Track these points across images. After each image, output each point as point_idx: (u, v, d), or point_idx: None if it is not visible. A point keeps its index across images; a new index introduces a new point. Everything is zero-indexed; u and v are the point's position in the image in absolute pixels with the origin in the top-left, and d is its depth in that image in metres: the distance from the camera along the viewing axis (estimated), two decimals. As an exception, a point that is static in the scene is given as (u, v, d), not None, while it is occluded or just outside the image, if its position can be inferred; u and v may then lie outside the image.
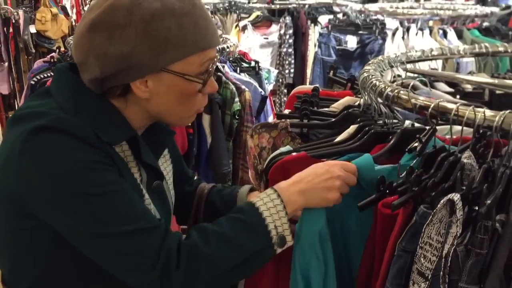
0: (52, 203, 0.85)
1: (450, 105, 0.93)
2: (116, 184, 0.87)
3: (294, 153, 1.08)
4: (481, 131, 0.91)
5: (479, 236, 0.71)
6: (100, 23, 0.86)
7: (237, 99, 2.34)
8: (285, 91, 4.11)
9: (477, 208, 0.76)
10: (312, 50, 3.97)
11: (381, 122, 1.14)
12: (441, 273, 0.73)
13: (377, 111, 1.16)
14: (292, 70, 3.95)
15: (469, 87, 1.51)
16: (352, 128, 1.16)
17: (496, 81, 1.38)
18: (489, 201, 0.73)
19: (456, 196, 0.73)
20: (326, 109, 1.36)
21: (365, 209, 0.91)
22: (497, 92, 1.42)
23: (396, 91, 1.04)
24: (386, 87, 1.07)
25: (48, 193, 0.84)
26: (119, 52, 0.85)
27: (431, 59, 1.48)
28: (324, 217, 0.97)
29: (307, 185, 0.95)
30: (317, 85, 1.55)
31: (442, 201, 0.74)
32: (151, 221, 0.89)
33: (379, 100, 1.10)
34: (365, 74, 1.19)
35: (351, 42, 3.09)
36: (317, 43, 3.29)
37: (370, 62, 1.34)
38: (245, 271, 0.97)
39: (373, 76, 1.16)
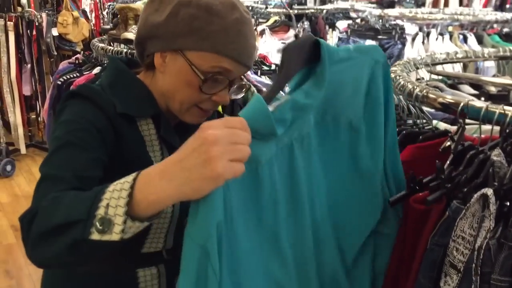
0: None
1: (479, 104, 0.95)
2: (88, 144, 0.91)
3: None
4: (507, 130, 0.93)
5: (512, 230, 0.73)
6: None
7: (258, 101, 2.39)
8: (303, 95, 4.12)
9: (508, 204, 0.78)
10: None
11: (410, 122, 1.16)
12: (474, 265, 0.75)
13: (406, 111, 1.18)
14: (309, 75, 3.97)
15: (493, 90, 1.52)
16: (381, 128, 1.18)
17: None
18: (522, 196, 0.75)
19: (489, 191, 0.75)
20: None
21: (396, 205, 0.93)
22: (523, 94, 1.43)
23: (425, 91, 1.06)
24: (415, 87, 1.09)
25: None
26: (153, 21, 0.98)
27: (455, 62, 1.50)
28: (221, 203, 0.70)
29: (173, 167, 0.69)
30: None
31: (475, 196, 0.76)
32: (77, 177, 0.84)
33: (408, 100, 1.12)
34: (393, 75, 1.22)
35: (371, 46, 3.12)
36: (336, 48, 3.32)
37: (396, 63, 1.36)
38: (63, 241, 0.72)
39: (401, 77, 1.18)
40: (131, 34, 2.49)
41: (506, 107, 0.90)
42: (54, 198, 0.77)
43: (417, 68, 1.39)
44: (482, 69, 2.54)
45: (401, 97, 1.14)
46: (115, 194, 0.71)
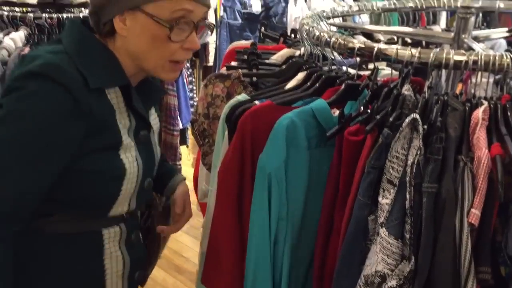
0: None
1: (391, 47, 1.10)
2: (59, 143, 0.92)
3: (257, 102, 1.18)
4: (405, 71, 1.10)
5: (436, 146, 0.89)
6: None
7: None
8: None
9: (426, 127, 0.95)
10: (212, 15, 4.05)
11: (326, 68, 1.29)
12: (407, 178, 0.90)
13: (320, 59, 1.31)
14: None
15: (382, 39, 1.72)
16: (301, 75, 1.29)
17: (407, 29, 1.60)
18: (440, 119, 0.91)
19: (417, 116, 0.90)
20: (268, 60, 1.48)
21: (332, 138, 1.06)
22: (408, 41, 1.65)
23: (340, 39, 1.19)
24: (331, 36, 1.21)
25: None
26: None
27: (352, 15, 1.66)
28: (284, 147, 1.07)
29: None
30: (253, 40, 1.66)
31: (407, 120, 0.91)
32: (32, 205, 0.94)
33: (327, 49, 1.24)
34: (306, 27, 1.33)
35: (256, 5, 3.22)
36: (222, 8, 3.37)
37: (305, 17, 1.47)
38: None
39: (315, 28, 1.30)
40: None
41: (412, 49, 1.06)
42: None
43: (321, 21, 1.52)
44: (359, 21, 2.79)
45: (318, 45, 1.25)
46: None
